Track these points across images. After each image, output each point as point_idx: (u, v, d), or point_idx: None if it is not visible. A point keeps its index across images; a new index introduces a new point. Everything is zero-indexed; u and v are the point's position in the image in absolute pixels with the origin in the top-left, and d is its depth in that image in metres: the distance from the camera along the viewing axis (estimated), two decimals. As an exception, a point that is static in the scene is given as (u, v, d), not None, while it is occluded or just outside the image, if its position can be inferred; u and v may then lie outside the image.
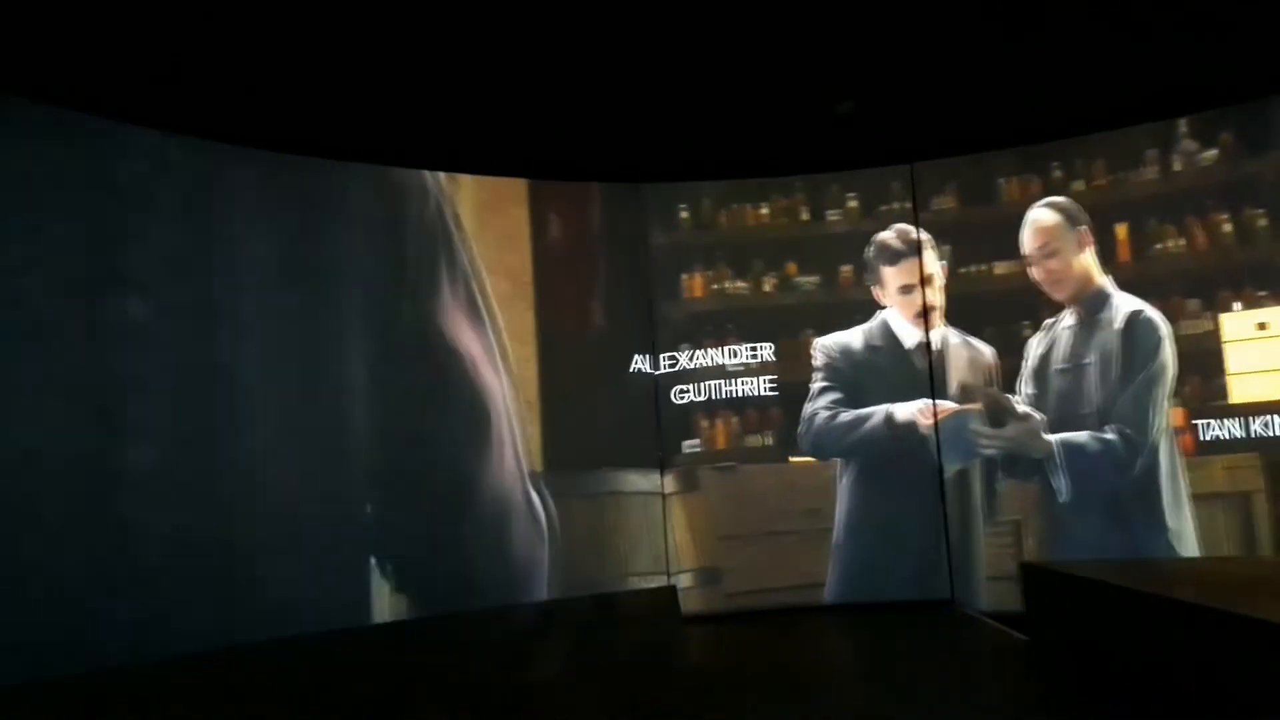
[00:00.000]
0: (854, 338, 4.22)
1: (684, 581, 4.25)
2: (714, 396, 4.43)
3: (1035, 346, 3.99)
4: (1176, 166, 4.58)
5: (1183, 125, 4.52)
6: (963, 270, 4.54)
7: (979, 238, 4.63)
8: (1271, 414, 3.97)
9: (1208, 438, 4.01)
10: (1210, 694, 2.27)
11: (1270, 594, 2.53)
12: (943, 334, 3.99)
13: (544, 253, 4.32)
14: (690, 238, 4.64)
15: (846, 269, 4.55)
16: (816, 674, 3.14)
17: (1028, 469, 3.90)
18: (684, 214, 4.64)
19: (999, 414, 3.86)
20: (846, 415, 4.13)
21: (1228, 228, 4.50)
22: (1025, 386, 3.96)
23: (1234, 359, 4.23)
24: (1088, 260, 4.02)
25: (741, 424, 4.52)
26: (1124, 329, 3.91)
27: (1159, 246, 4.56)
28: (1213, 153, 4.49)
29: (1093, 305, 3.98)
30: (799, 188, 4.67)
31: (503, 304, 4.17)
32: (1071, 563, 3.72)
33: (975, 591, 4.05)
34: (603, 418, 4.30)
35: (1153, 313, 3.94)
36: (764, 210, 4.66)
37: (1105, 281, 4.02)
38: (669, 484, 4.31)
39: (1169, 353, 3.90)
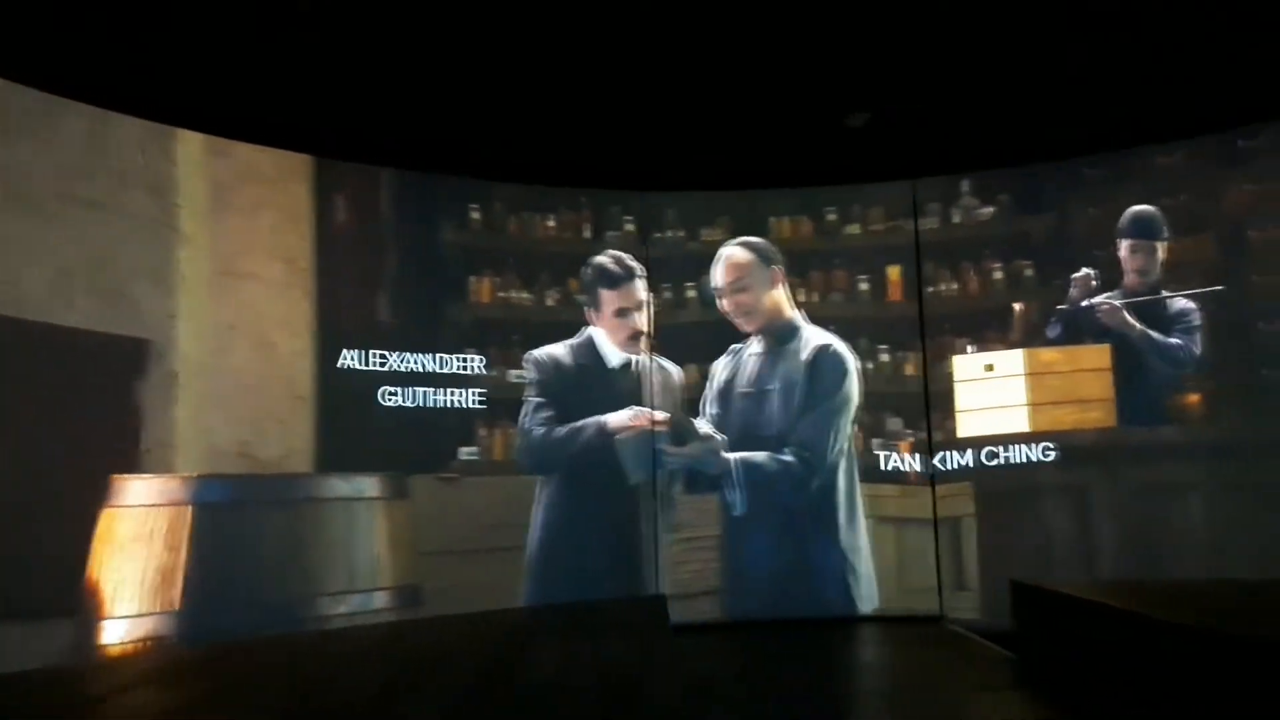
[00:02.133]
0: (563, 353, 4.35)
1: (377, 601, 3.97)
2: (423, 404, 4.26)
3: (721, 370, 4.28)
4: (956, 219, 4.84)
5: (965, 184, 4.81)
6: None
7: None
8: (987, 447, 4.55)
9: (947, 467, 4.55)
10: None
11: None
12: (642, 358, 4.30)
13: (327, 238, 4.13)
14: (481, 240, 4.67)
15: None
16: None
17: (707, 484, 4.18)
18: (475, 214, 4.68)
19: (681, 433, 4.16)
20: (563, 429, 4.23)
21: (999, 275, 4.78)
22: (710, 407, 4.24)
23: (964, 397, 4.53)
24: (779, 296, 4.31)
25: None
26: (811, 360, 4.20)
27: (930, 289, 4.84)
28: (990, 209, 4.77)
29: (782, 336, 4.27)
30: (585, 203, 4.88)
31: (276, 290, 4.01)
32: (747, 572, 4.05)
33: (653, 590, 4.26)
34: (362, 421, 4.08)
35: (841, 347, 4.28)
36: (550, 223, 4.81)
37: (795, 315, 4.31)
38: (373, 490, 4.04)
39: (854, 385, 4.24)
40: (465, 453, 4.32)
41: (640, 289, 4.45)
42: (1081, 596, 3.04)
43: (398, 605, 3.98)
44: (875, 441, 4.72)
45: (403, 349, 4.29)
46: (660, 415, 4.27)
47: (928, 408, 4.72)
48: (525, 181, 4.80)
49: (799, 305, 4.75)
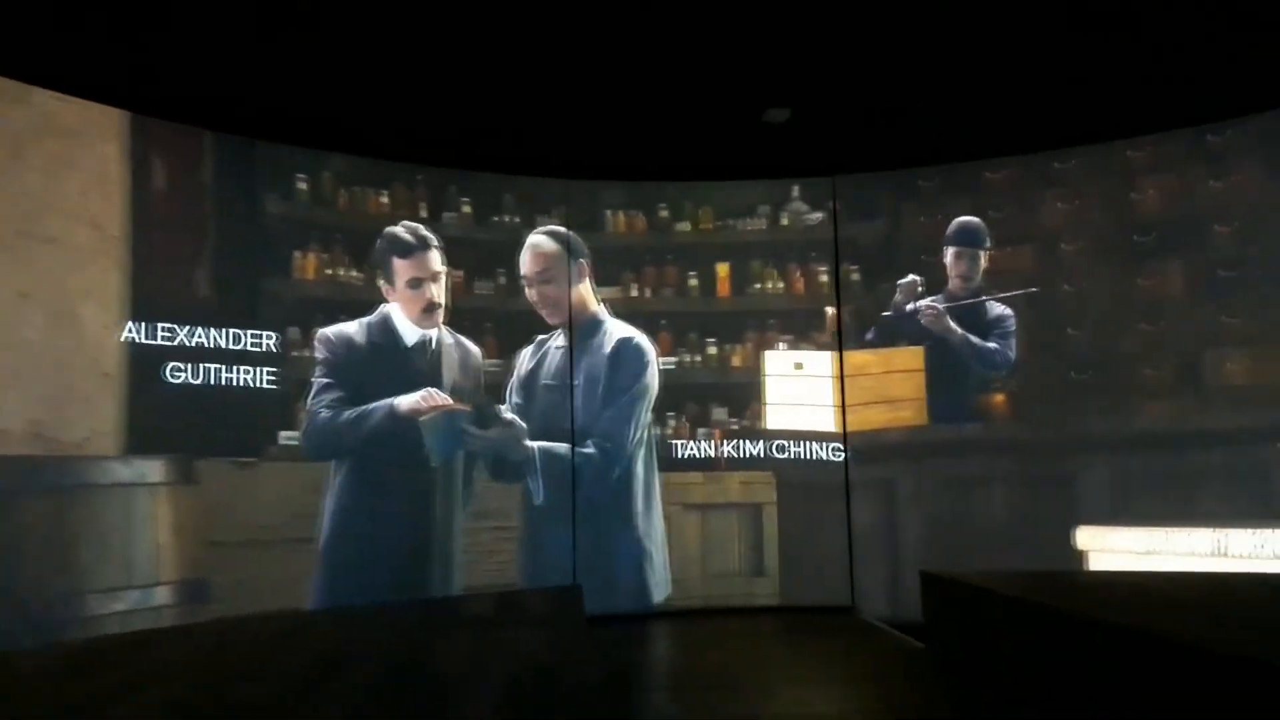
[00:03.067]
0: (355, 331, 4.15)
1: (158, 597, 3.73)
2: (237, 384, 4.03)
3: (525, 361, 4.26)
4: (784, 221, 4.92)
5: (795, 190, 4.90)
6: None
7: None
8: (789, 440, 4.78)
9: (745, 455, 4.75)
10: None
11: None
12: (438, 334, 4.20)
13: (141, 204, 3.86)
14: (307, 213, 4.45)
15: (458, 275, 4.62)
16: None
17: (509, 472, 4.15)
18: (302, 185, 4.46)
19: (485, 417, 4.11)
20: (351, 412, 4.04)
21: (824, 278, 4.89)
22: (514, 397, 4.22)
23: (771, 391, 4.77)
24: (585, 290, 4.31)
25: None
26: (613, 353, 4.20)
27: (757, 286, 4.92)
28: (819, 214, 4.87)
29: (586, 330, 4.27)
30: (421, 181, 4.76)
31: (81, 257, 3.73)
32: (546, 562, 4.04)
33: (451, 583, 4.19)
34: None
35: (641, 339, 4.28)
36: (384, 199, 4.63)
37: (600, 310, 4.32)
38: (156, 474, 3.76)
39: (654, 375, 4.28)
40: (285, 437, 4.15)
41: (435, 259, 4.29)
42: (982, 585, 3.07)
43: (181, 602, 3.76)
44: (700, 431, 4.79)
45: (221, 324, 4.10)
46: (444, 398, 4.10)
47: (738, 401, 4.85)
48: (358, 153, 4.61)
49: (631, 299, 4.79)
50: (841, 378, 4.75)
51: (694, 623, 4.21)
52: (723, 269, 4.91)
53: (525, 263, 4.40)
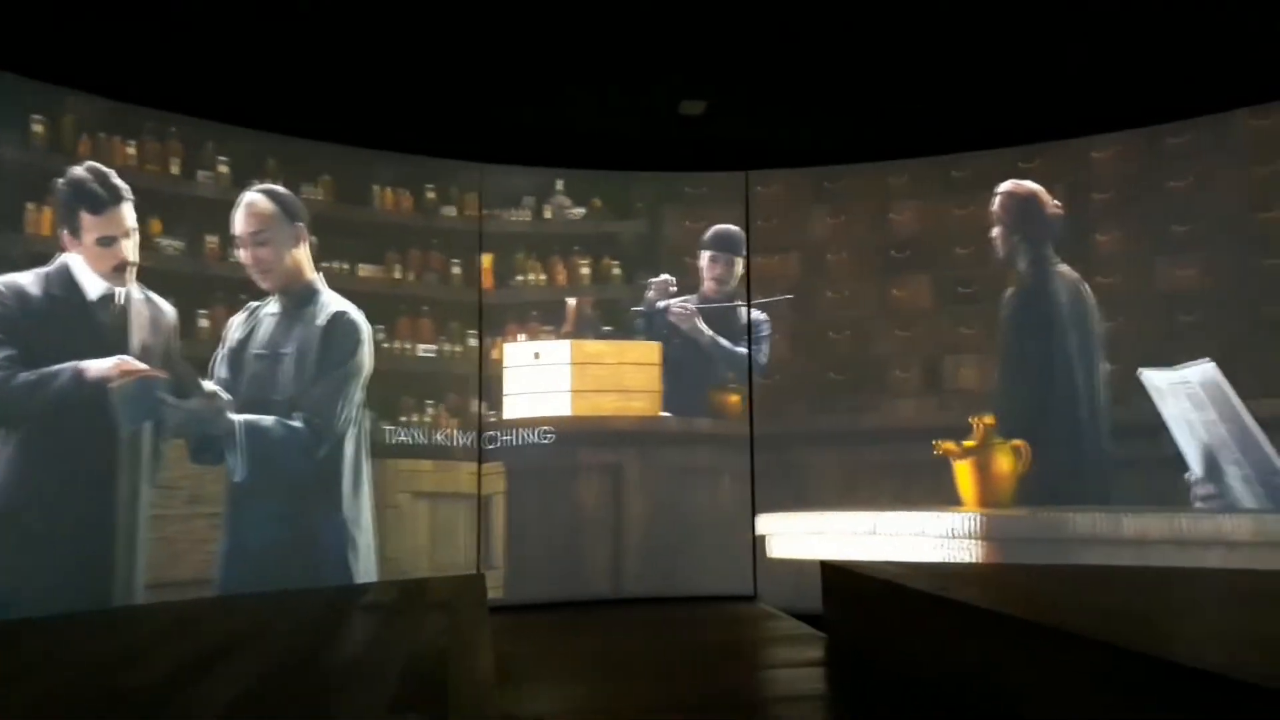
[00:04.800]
0: (31, 282, 3.67)
1: None
2: None
3: (235, 330, 4.08)
4: (548, 214, 4.93)
5: (559, 184, 4.93)
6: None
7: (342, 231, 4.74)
8: (527, 429, 4.82)
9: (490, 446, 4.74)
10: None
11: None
12: (128, 290, 3.90)
13: None
14: (43, 159, 3.93)
15: (213, 240, 4.31)
16: None
17: (209, 446, 3.96)
18: (38, 127, 3.97)
19: (184, 385, 3.90)
20: (27, 374, 3.57)
21: (586, 270, 4.94)
22: (220, 366, 4.03)
23: (511, 382, 4.81)
24: (301, 256, 4.18)
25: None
26: (326, 326, 4.10)
27: (520, 278, 4.91)
28: (581, 210, 4.92)
29: (300, 299, 4.15)
30: (175, 134, 4.35)
31: None
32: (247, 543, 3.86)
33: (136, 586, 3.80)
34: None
35: (356, 315, 4.21)
36: (131, 149, 4.19)
37: (316, 279, 4.21)
38: None
39: (366, 354, 4.19)
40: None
41: (128, 214, 3.90)
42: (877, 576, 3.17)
43: None
44: (455, 421, 4.74)
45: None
46: (139, 365, 3.77)
47: (481, 390, 4.82)
48: (108, 96, 4.16)
49: (394, 280, 4.70)
50: (576, 365, 4.80)
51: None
52: (487, 259, 4.88)
53: (238, 222, 4.13)
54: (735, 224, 5.04)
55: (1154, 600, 2.91)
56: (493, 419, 4.77)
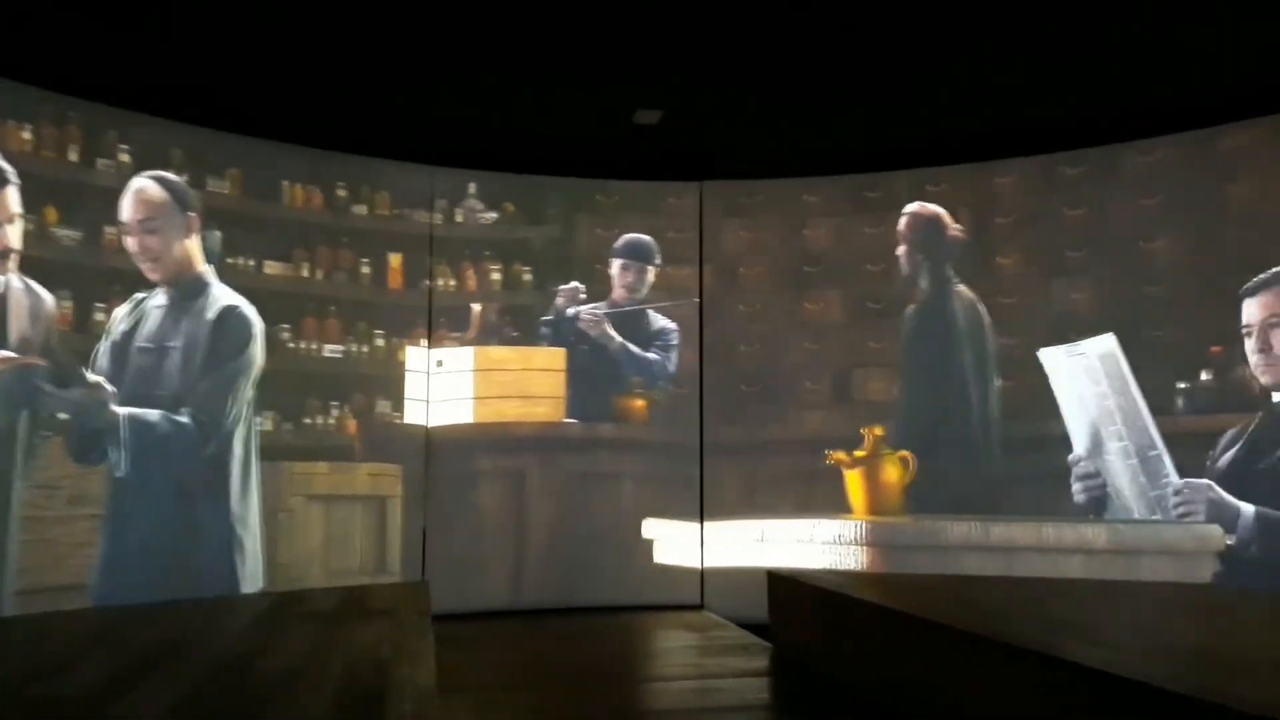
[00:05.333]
0: None
1: None
2: None
3: (120, 322, 3.97)
4: (459, 218, 4.92)
5: (472, 187, 4.92)
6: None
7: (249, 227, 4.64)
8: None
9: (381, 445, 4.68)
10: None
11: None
12: (7, 279, 3.77)
13: None
14: None
15: (112, 231, 4.08)
16: None
17: (92, 444, 3.82)
18: None
19: (65, 375, 3.76)
20: None
21: (497, 276, 4.94)
22: (103, 359, 3.91)
23: (414, 386, 4.79)
24: (191, 247, 4.09)
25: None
26: (216, 320, 4.01)
27: (428, 281, 4.88)
28: (493, 214, 4.92)
29: (189, 291, 4.05)
30: (75, 119, 4.09)
31: None
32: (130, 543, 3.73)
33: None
34: None
35: (248, 309, 4.11)
36: (25, 134, 3.95)
37: (206, 270, 4.11)
38: None
39: (258, 350, 4.09)
40: None
41: (13, 198, 3.75)
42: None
43: None
44: (356, 423, 4.67)
45: None
46: (16, 356, 3.63)
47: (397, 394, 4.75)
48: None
49: (301, 279, 4.63)
50: (479, 371, 4.79)
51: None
52: (395, 259, 4.83)
53: (126, 208, 3.99)
54: (648, 233, 5.08)
55: (1096, 611, 3.00)
56: (397, 421, 4.71)
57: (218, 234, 4.38)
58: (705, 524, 4.86)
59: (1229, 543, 3.91)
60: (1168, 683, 1.70)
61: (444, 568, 4.56)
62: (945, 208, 4.96)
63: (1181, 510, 4.03)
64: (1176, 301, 4.45)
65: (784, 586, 3.58)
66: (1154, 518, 4.18)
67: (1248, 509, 3.87)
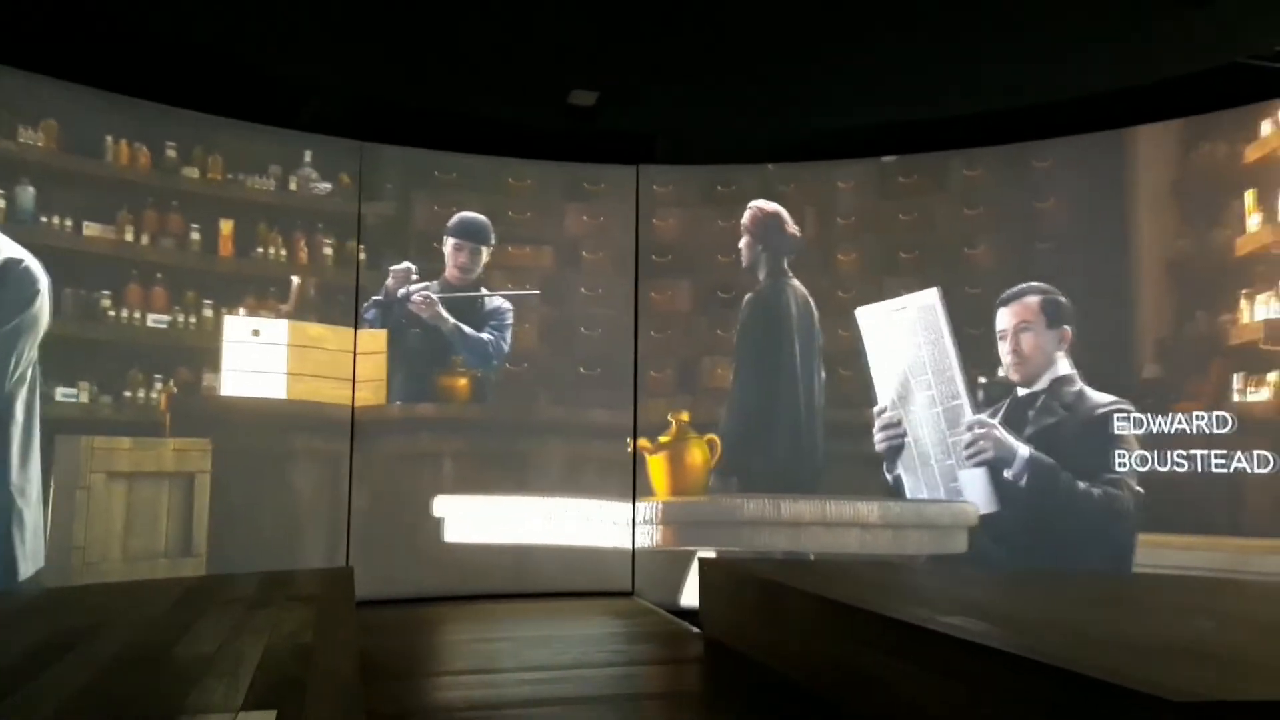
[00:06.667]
0: None
1: None
2: None
3: None
4: (293, 186, 4.81)
5: (308, 155, 4.82)
6: None
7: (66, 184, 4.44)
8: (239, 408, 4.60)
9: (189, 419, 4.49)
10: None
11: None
12: None
13: None
14: None
15: None
16: None
17: None
18: None
19: None
20: None
21: (329, 251, 4.86)
22: None
23: (230, 357, 4.62)
24: None
25: None
26: None
27: (260, 250, 4.77)
28: (328, 185, 4.83)
29: None
30: None
31: None
32: None
33: None
34: None
35: (33, 264, 3.91)
36: None
37: None
38: None
39: (44, 307, 3.91)
40: None
41: None
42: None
43: None
44: (173, 394, 4.54)
45: None
46: None
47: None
48: None
49: (125, 243, 4.45)
50: (294, 347, 4.71)
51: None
52: (226, 225, 4.70)
53: None
54: (485, 213, 5.06)
55: (1018, 599, 3.11)
56: (212, 393, 4.58)
57: (31, 190, 4.21)
58: (482, 500, 4.87)
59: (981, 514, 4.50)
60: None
61: (243, 547, 4.46)
62: (790, 208, 5.09)
63: (975, 447, 4.55)
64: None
65: (713, 572, 3.67)
66: (923, 496, 4.66)
67: (1023, 449, 4.49)
